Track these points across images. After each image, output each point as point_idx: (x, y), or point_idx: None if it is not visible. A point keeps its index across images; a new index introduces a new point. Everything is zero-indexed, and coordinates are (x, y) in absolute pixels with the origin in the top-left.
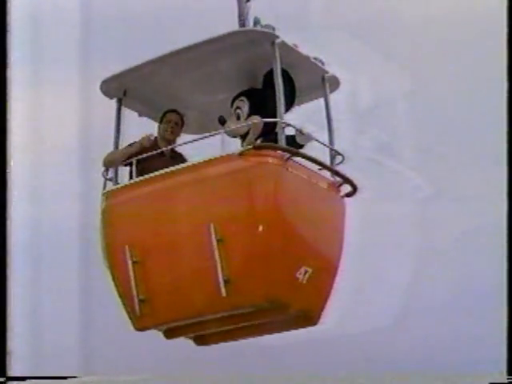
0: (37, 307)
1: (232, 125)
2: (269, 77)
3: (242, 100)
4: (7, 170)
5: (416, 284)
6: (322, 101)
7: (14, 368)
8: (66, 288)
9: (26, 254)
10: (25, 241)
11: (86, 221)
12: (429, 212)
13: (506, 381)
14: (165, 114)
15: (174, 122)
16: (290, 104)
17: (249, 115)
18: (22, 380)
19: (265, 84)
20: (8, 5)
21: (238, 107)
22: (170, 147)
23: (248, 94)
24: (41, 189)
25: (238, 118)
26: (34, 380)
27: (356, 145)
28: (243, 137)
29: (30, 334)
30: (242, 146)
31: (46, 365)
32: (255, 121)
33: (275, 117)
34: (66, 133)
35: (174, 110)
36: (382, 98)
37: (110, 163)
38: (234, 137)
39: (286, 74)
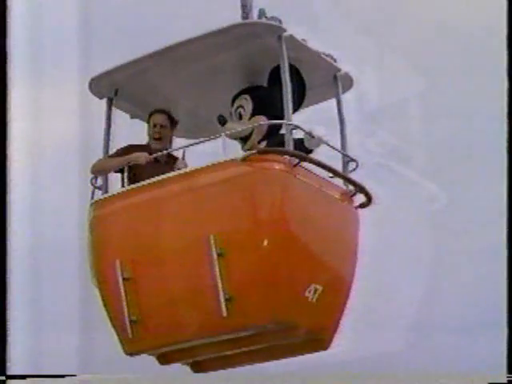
0: (37, 306)
1: (233, 125)
2: (275, 73)
3: (244, 98)
4: (7, 171)
5: (428, 297)
6: (329, 101)
7: (14, 367)
8: (65, 287)
9: (26, 254)
10: (25, 241)
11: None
12: (443, 223)
13: (506, 381)
14: (150, 115)
15: (159, 125)
16: (298, 104)
17: (252, 115)
18: (21, 378)
19: (270, 81)
20: (8, 5)
21: (240, 106)
22: (160, 153)
23: (251, 91)
24: (40, 192)
25: (240, 117)
26: (33, 378)
27: (364, 149)
28: (245, 139)
29: (30, 333)
30: (243, 148)
31: (45, 364)
32: (261, 122)
33: (281, 117)
34: (66, 133)
35: (159, 111)
36: (391, 98)
37: (98, 172)
38: (235, 138)
39: (294, 71)
